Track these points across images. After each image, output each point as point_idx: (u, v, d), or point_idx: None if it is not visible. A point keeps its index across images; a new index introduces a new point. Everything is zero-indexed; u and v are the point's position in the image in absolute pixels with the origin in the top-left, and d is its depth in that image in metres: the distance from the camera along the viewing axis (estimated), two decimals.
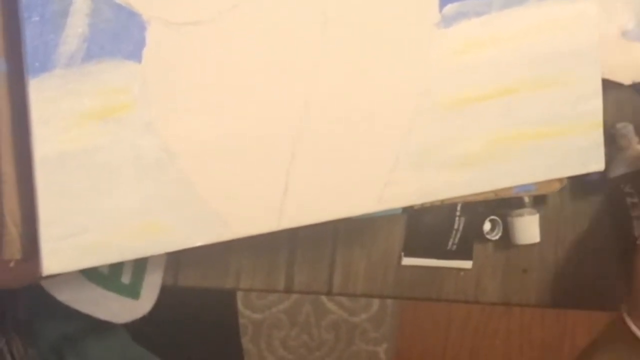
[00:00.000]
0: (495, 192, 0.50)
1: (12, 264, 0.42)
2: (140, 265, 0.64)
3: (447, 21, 0.47)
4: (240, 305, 1.50)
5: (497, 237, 0.70)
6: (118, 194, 0.43)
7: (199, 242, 0.45)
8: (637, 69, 0.71)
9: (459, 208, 0.67)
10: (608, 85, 0.70)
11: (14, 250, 0.42)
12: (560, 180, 0.52)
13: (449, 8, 0.47)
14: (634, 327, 0.57)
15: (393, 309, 1.59)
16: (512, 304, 0.73)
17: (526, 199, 0.67)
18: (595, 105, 0.51)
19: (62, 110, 0.41)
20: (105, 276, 0.63)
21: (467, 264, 0.70)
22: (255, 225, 0.46)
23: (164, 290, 0.67)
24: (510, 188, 0.50)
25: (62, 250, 0.42)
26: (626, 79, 0.71)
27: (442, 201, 0.49)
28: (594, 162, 0.51)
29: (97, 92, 0.41)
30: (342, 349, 1.60)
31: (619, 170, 0.72)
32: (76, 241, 0.42)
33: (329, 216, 0.47)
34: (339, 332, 1.59)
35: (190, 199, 0.44)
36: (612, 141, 0.72)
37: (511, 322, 1.60)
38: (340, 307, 1.59)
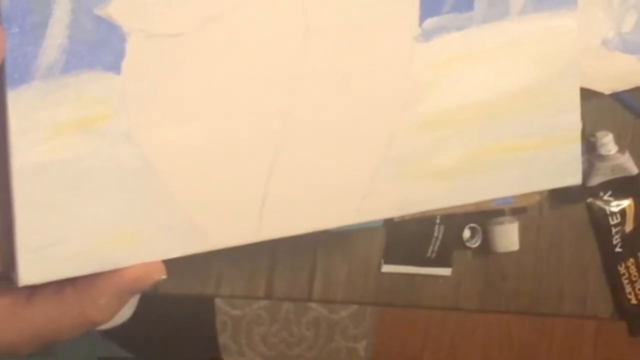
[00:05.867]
0: (475, 204, 0.50)
1: None
2: None
3: (427, 35, 0.47)
4: (220, 302, 1.50)
5: (476, 245, 0.71)
6: (96, 204, 0.42)
7: (177, 254, 0.44)
8: (617, 78, 0.71)
9: (438, 216, 0.67)
10: (588, 94, 0.70)
11: None
12: (540, 192, 0.53)
13: (429, 22, 0.47)
14: None
15: (373, 307, 1.60)
16: (490, 310, 0.74)
17: (506, 208, 0.68)
18: (573, 119, 0.51)
19: (40, 121, 0.40)
20: None
21: (446, 271, 0.70)
22: (234, 237, 0.46)
23: (143, 295, 0.67)
24: (490, 200, 0.50)
25: (39, 261, 0.41)
26: (606, 88, 0.71)
27: (422, 213, 0.49)
28: (571, 175, 0.51)
29: (76, 103, 0.41)
30: (322, 346, 1.60)
31: (598, 179, 0.73)
32: (54, 251, 0.42)
33: (307, 228, 0.47)
34: (318, 328, 1.60)
35: (169, 209, 0.44)
36: (591, 149, 0.73)
37: (490, 321, 1.61)
38: (320, 305, 1.59)
